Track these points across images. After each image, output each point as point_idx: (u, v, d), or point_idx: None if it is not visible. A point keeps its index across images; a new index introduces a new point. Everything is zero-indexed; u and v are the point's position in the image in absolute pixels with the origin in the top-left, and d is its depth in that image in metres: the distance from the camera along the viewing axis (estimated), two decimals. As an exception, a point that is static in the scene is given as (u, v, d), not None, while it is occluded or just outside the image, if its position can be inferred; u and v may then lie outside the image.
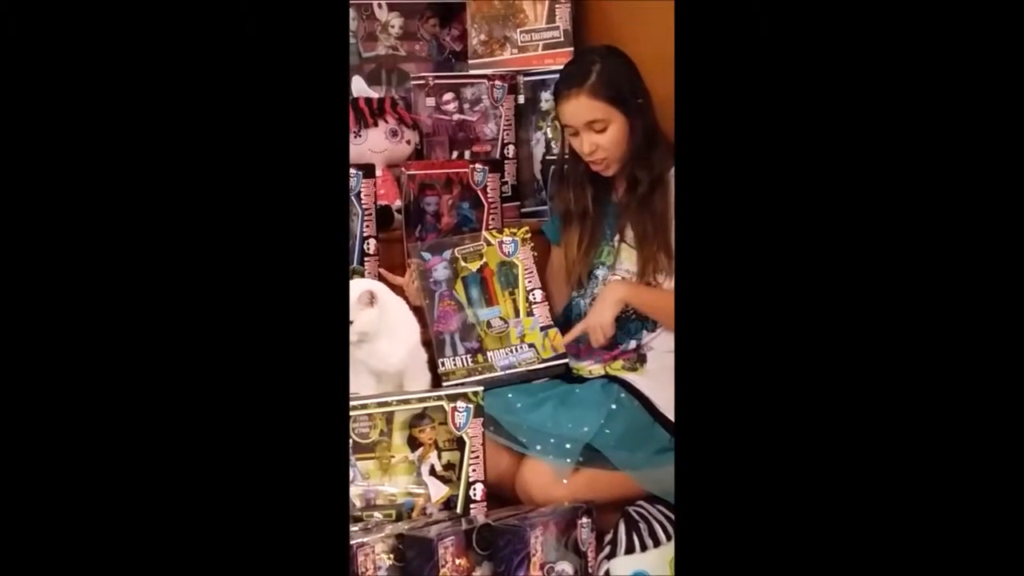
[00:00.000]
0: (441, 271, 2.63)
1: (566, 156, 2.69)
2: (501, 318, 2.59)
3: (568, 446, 2.36)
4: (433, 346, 2.57)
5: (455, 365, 2.55)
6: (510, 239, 2.66)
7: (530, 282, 2.63)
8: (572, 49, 3.06)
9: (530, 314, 2.59)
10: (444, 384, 2.49)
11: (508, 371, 2.55)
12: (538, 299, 2.61)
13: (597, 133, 2.53)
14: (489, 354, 2.56)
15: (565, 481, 2.32)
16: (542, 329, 2.57)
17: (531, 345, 2.56)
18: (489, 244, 2.65)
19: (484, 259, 2.64)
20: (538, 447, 2.37)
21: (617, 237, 2.61)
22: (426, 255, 2.64)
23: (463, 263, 2.64)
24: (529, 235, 2.67)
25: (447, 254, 2.64)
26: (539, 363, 2.55)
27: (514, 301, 2.62)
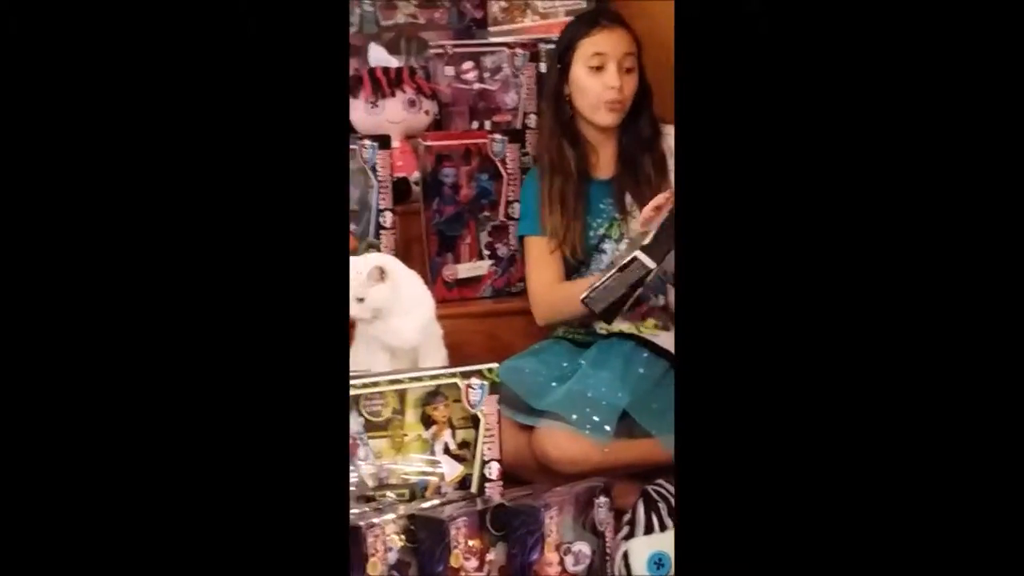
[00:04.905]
0: None
1: (558, 106, 2.56)
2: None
3: (604, 414, 2.33)
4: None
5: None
6: None
7: None
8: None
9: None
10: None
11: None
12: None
13: (626, 72, 2.49)
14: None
15: (606, 450, 2.30)
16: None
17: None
18: None
19: None
20: (573, 416, 2.34)
21: (616, 210, 2.53)
22: None
23: None
24: None
25: None
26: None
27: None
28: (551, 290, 2.53)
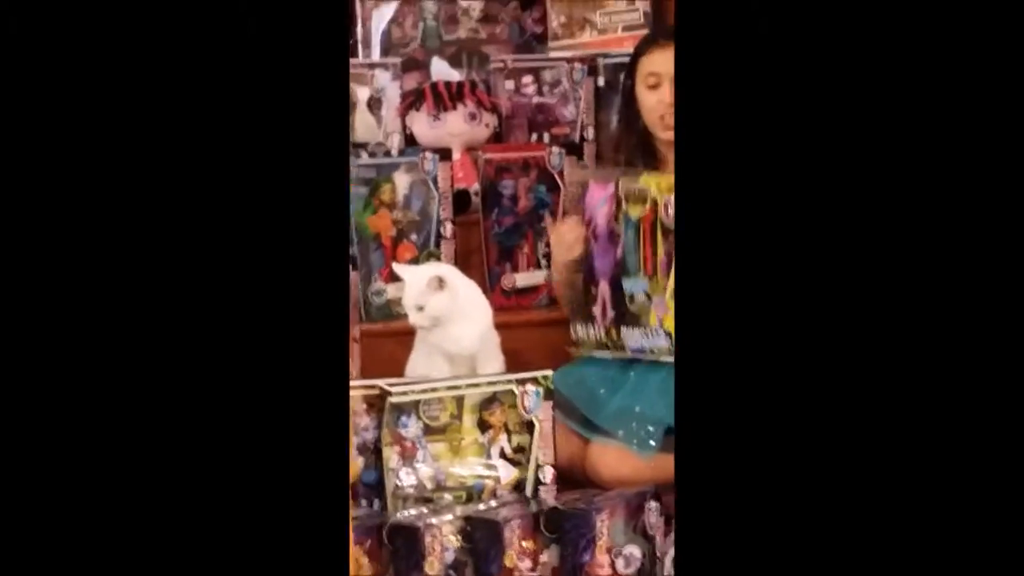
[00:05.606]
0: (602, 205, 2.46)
1: (630, 120, 2.62)
2: (646, 294, 2.42)
3: (650, 429, 2.37)
4: (573, 300, 2.48)
5: (587, 335, 2.48)
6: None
7: None
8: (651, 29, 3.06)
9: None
10: (573, 352, 2.47)
11: (637, 354, 2.44)
12: None
13: None
14: (624, 331, 2.45)
15: (652, 464, 2.33)
16: None
17: (668, 334, 2.39)
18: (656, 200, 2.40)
19: (647, 205, 2.42)
20: (620, 432, 2.39)
21: None
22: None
23: (624, 203, 2.43)
24: None
25: (609, 187, 2.45)
26: (668, 355, 2.38)
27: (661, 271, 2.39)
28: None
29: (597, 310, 2.47)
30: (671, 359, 2.37)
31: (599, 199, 2.46)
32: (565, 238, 2.51)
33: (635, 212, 2.42)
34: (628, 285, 2.44)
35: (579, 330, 2.49)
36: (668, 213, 2.38)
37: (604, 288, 2.46)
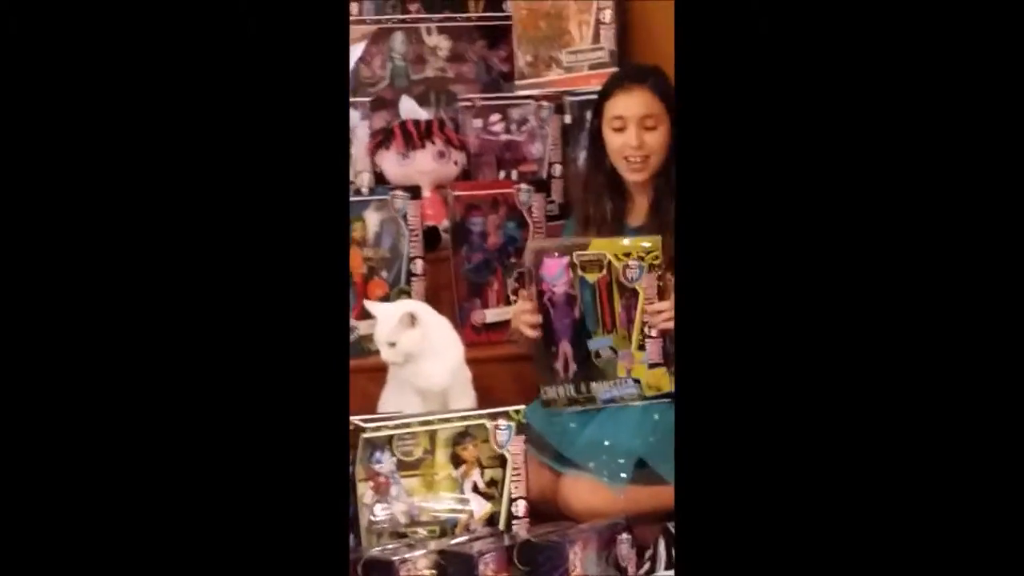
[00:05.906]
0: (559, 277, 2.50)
1: (597, 159, 2.64)
2: (612, 348, 2.49)
3: (621, 461, 2.40)
4: (539, 364, 2.51)
5: (557, 394, 2.50)
6: (636, 264, 2.48)
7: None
8: (617, 69, 3.10)
9: (642, 348, 2.47)
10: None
11: (607, 404, 2.49)
12: (654, 334, 2.46)
13: (647, 130, 2.54)
14: (592, 385, 2.50)
15: (622, 496, 2.36)
16: (651, 366, 2.46)
17: (636, 380, 2.47)
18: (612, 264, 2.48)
19: (604, 271, 2.49)
20: (591, 464, 2.41)
21: None
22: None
23: (580, 271, 2.49)
24: (658, 260, 2.46)
25: (565, 259, 2.50)
26: (640, 400, 2.47)
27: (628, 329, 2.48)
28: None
29: (559, 365, 2.50)
30: (642, 403, 2.46)
31: (556, 271, 2.51)
32: (524, 319, 2.51)
33: (591, 277, 2.49)
34: (593, 344, 2.49)
35: (548, 392, 2.51)
36: (625, 275, 2.46)
37: (565, 346, 2.49)
